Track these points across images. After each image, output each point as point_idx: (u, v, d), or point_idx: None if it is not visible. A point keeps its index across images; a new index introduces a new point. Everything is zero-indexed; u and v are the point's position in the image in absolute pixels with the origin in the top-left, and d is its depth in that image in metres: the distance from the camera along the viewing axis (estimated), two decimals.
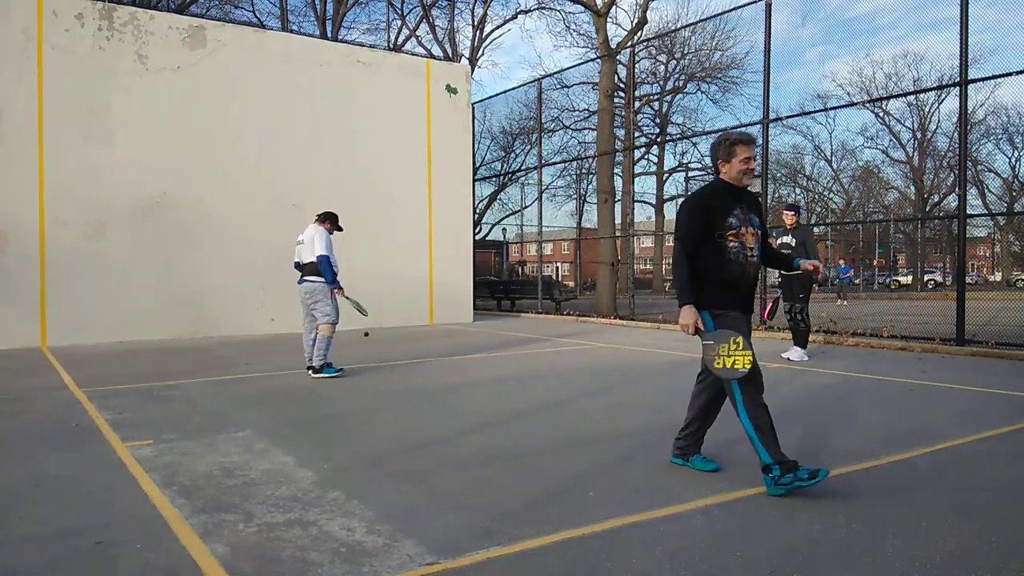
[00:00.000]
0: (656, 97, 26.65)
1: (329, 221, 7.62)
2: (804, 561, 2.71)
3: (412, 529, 3.06)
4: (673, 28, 23.53)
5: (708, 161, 27.41)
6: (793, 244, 8.50)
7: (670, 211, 32.48)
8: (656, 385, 7.02)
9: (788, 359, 8.51)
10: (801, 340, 8.62)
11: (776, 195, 33.54)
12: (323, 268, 7.32)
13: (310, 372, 7.57)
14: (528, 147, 25.00)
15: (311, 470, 3.97)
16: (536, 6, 24.61)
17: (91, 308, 10.93)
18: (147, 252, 11.42)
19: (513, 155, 26.02)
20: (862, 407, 5.74)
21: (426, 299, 14.29)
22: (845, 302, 23.04)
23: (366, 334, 7.72)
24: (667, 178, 31.79)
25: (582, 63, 20.77)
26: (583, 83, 21.58)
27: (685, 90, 25.79)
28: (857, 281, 37.40)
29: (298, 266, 7.59)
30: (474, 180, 17.70)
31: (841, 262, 29.27)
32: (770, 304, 9.40)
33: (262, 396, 6.37)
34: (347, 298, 7.57)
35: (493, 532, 3.01)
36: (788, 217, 8.75)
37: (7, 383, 7.16)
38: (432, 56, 22.49)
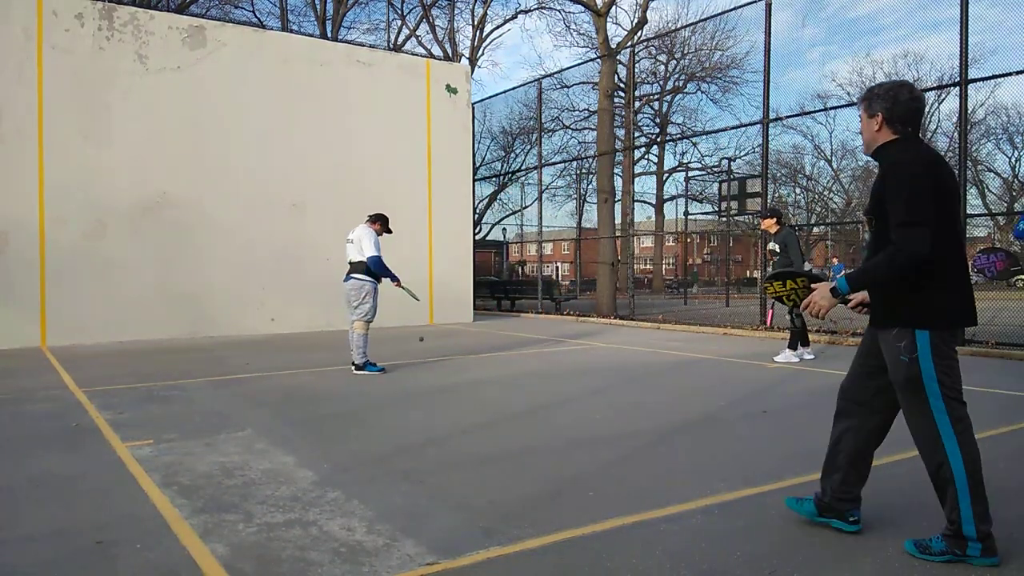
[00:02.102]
0: (656, 97, 26.66)
1: (379, 223, 7.77)
2: (804, 561, 2.71)
3: (412, 529, 3.06)
4: (673, 28, 23.56)
5: (708, 161, 27.45)
6: (777, 249, 8.49)
7: (670, 211, 32.60)
8: (656, 385, 7.02)
9: (773, 359, 8.50)
10: (792, 341, 8.59)
11: (776, 195, 33.57)
12: (378, 268, 7.48)
13: (353, 368, 7.71)
14: (528, 147, 25.01)
15: (311, 470, 3.97)
16: (536, 6, 24.65)
17: (91, 308, 10.93)
18: (147, 252, 11.42)
19: (513, 155, 26.04)
20: None
21: (426, 299, 14.29)
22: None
23: (421, 339, 8.06)
24: (667, 178, 31.82)
25: (582, 63, 20.79)
26: (583, 83, 21.60)
27: (685, 90, 25.82)
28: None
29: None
30: (474, 180, 17.70)
31: (835, 260, 29.19)
32: (771, 311, 9.37)
33: (262, 396, 6.37)
34: (403, 287, 7.74)
35: (493, 532, 3.01)
36: (766, 224, 8.68)
37: (7, 383, 7.16)
38: (432, 56, 22.49)
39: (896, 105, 2.68)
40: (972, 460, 2.64)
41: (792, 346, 8.55)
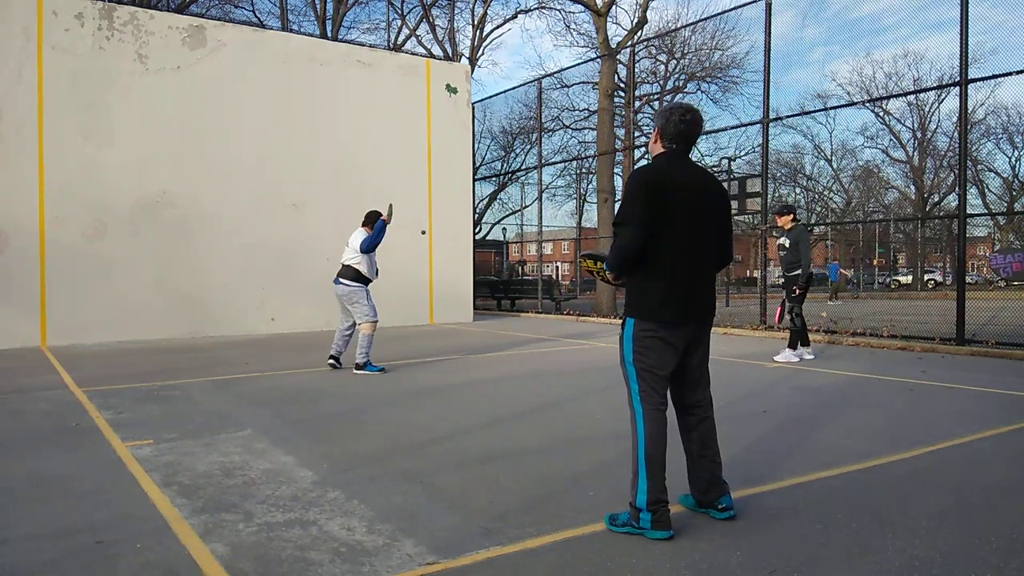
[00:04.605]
0: (656, 97, 26.62)
1: (370, 224, 7.88)
2: (804, 561, 2.71)
3: (412, 529, 3.06)
4: (673, 28, 23.53)
5: (708, 161, 27.51)
6: (787, 245, 8.52)
7: None
8: None
9: (774, 359, 8.50)
10: (792, 340, 8.58)
11: (776, 195, 33.57)
12: (374, 240, 7.64)
13: (331, 363, 7.82)
14: (528, 147, 25.00)
15: (311, 470, 3.97)
16: (536, 6, 24.60)
17: (91, 308, 10.93)
18: (147, 252, 11.42)
19: (513, 155, 26.01)
20: (862, 407, 5.74)
21: (426, 299, 14.29)
22: (839, 302, 23.00)
23: (423, 232, 8.17)
24: None
25: (582, 63, 20.78)
26: (583, 83, 21.57)
27: (685, 90, 25.76)
28: (856, 280, 37.41)
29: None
30: (474, 180, 17.70)
31: (834, 261, 29.25)
32: (780, 308, 9.35)
33: (262, 396, 6.37)
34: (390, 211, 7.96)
35: (493, 532, 3.02)
36: (782, 220, 8.69)
37: (7, 383, 7.16)
38: (432, 56, 22.48)
39: (667, 124, 3.08)
40: (652, 439, 2.95)
41: (792, 346, 8.55)
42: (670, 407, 3.10)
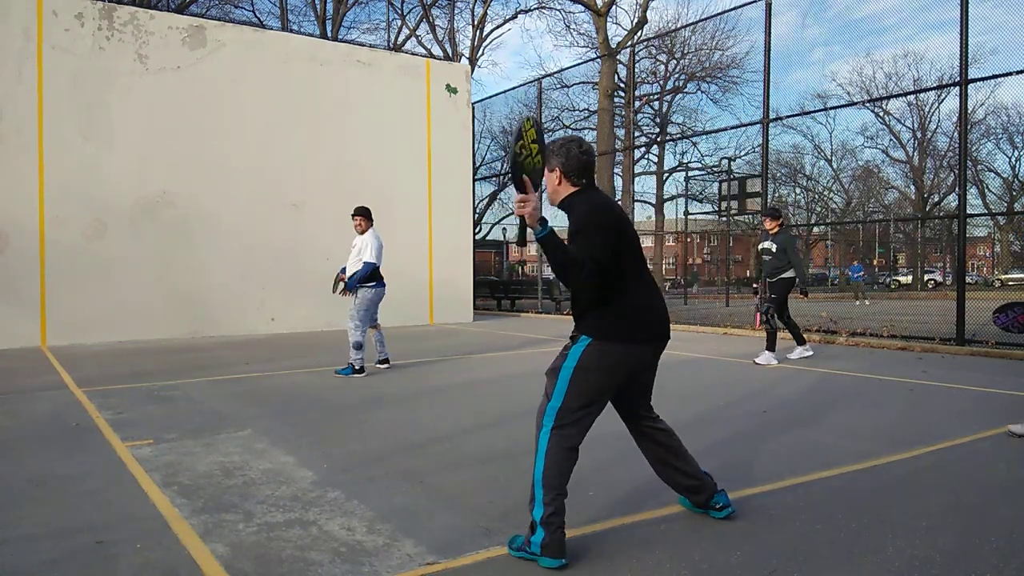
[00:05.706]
0: (656, 97, 26.65)
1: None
2: (804, 561, 2.71)
3: (412, 529, 3.06)
4: (673, 28, 23.54)
5: (708, 161, 27.49)
6: (774, 249, 8.42)
7: (670, 211, 32.55)
8: (656, 385, 6.97)
9: (754, 361, 8.37)
10: (769, 342, 8.36)
11: (776, 195, 33.59)
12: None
13: (386, 366, 8.05)
14: None
15: (311, 470, 3.97)
16: (536, 5, 24.67)
17: (91, 308, 10.92)
18: (147, 252, 11.41)
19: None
20: (862, 407, 5.74)
21: (426, 299, 14.29)
22: (867, 302, 23.22)
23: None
24: (667, 178, 31.78)
25: (582, 63, 20.83)
26: (583, 83, 21.62)
27: (685, 90, 25.80)
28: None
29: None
30: (474, 180, 17.70)
31: (855, 263, 29.36)
32: (758, 314, 9.30)
33: (262, 396, 6.37)
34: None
35: (493, 532, 3.02)
36: (768, 223, 8.64)
37: (7, 383, 7.16)
38: (432, 56, 22.49)
39: (569, 159, 2.88)
40: (554, 456, 2.81)
41: (770, 347, 8.33)
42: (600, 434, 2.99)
